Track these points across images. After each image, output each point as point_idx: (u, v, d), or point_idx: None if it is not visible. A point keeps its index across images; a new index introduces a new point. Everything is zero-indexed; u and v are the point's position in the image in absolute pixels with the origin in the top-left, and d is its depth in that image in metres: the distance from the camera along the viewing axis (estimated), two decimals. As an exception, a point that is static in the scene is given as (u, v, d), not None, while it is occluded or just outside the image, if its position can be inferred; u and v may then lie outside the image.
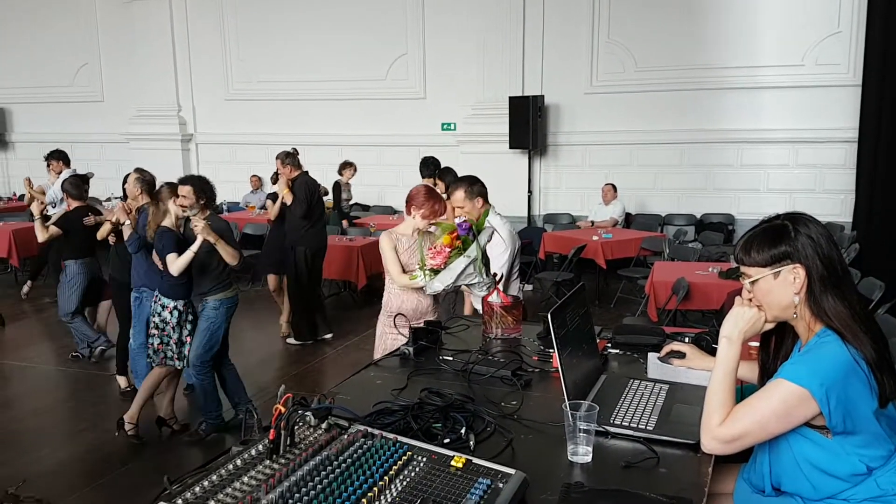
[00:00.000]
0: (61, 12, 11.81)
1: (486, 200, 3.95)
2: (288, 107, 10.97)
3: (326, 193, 7.16)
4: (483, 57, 9.93)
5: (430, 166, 7.01)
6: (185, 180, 4.68)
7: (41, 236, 5.96)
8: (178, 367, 4.73)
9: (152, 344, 4.64)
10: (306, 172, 6.89)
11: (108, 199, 6.25)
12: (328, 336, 7.04)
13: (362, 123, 10.68)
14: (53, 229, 5.97)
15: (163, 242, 4.53)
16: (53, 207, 7.88)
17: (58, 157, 8.32)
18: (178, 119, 11.42)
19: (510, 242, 3.96)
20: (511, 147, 9.74)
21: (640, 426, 2.00)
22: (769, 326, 1.95)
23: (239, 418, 4.76)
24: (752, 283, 1.90)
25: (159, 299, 4.64)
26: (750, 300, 1.94)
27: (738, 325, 1.92)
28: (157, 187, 5.09)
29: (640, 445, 1.91)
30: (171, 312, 4.60)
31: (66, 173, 8.08)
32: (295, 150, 7.01)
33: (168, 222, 4.67)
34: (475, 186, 3.92)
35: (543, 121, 9.82)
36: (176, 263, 4.43)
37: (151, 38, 11.22)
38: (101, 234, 5.69)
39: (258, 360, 6.44)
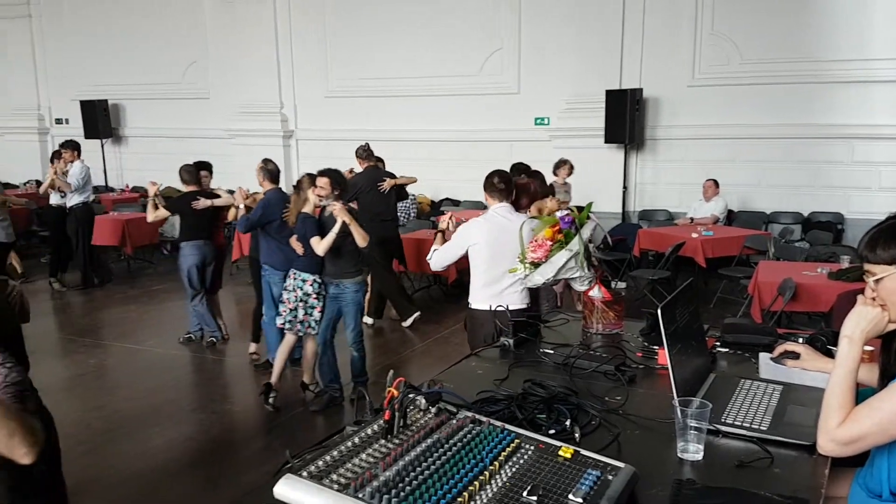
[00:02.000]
0: (171, 12, 12.39)
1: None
2: (383, 103, 11.16)
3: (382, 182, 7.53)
4: (580, 50, 9.81)
5: (517, 171, 6.84)
6: (323, 173, 5.14)
7: (150, 217, 6.50)
8: (313, 335, 5.24)
9: (295, 315, 5.15)
10: (375, 166, 7.49)
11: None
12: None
13: (454, 119, 10.75)
14: (162, 212, 6.42)
15: (306, 227, 5.05)
16: (67, 195, 8.69)
17: (71, 147, 8.88)
18: (280, 116, 11.80)
19: None
20: (607, 142, 9.59)
21: (752, 426, 1.96)
22: (892, 327, 1.86)
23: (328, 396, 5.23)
24: (877, 281, 1.82)
25: (297, 275, 5.17)
26: (873, 299, 1.86)
27: (859, 324, 1.84)
28: (299, 178, 5.56)
29: (753, 445, 1.86)
30: (311, 285, 5.15)
31: (77, 163, 8.71)
32: (367, 144, 7.68)
33: (308, 209, 5.14)
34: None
35: (641, 114, 9.62)
36: (321, 244, 4.92)
37: (256, 36, 11.63)
38: (230, 216, 6.46)
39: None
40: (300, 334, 5.25)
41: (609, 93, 9.44)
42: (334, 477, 1.44)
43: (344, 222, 4.87)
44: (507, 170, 6.56)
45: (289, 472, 1.44)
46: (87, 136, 12.42)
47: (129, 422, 5.08)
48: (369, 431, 1.66)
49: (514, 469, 1.59)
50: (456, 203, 10.84)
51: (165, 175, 11.68)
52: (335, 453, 1.54)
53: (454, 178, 10.65)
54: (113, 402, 5.52)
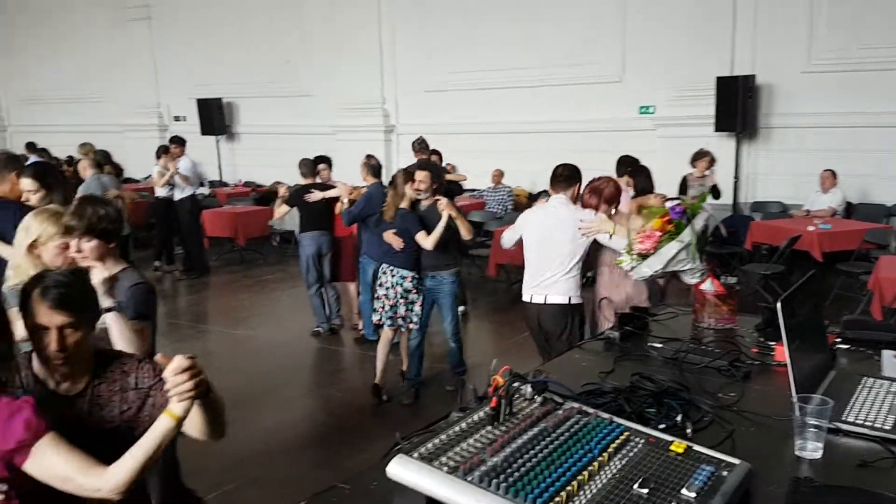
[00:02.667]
0: (276, 12, 12.81)
1: None
2: (482, 96, 11.18)
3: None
4: (688, 35, 9.48)
5: (624, 164, 6.69)
6: (423, 167, 5.26)
7: (277, 215, 7.03)
8: (412, 329, 5.30)
9: (395, 311, 5.16)
10: (428, 158, 7.66)
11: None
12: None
13: (554, 109, 10.63)
14: (284, 207, 6.83)
15: (407, 223, 5.08)
16: (175, 188, 9.18)
17: (179, 143, 9.33)
18: (381, 111, 12.03)
19: None
20: (717, 130, 9.24)
21: (875, 425, 1.86)
22: None
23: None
24: None
25: (396, 272, 5.16)
26: None
27: None
28: (395, 173, 5.64)
29: (876, 445, 1.77)
30: (411, 281, 5.16)
31: (185, 158, 9.13)
32: (422, 138, 8.03)
33: (404, 204, 5.19)
34: None
35: (754, 102, 9.21)
36: (430, 239, 4.95)
37: (358, 33, 11.88)
38: (336, 210, 6.64)
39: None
40: (403, 330, 5.30)
41: (720, 80, 9.09)
42: (444, 459, 1.47)
43: (450, 216, 4.89)
44: (617, 161, 6.51)
45: (400, 453, 1.48)
46: (203, 132, 13.05)
47: (240, 404, 5.30)
48: (475, 418, 1.67)
49: (623, 461, 1.57)
50: (556, 195, 10.72)
51: (274, 171, 12.19)
52: (444, 437, 1.56)
53: (552, 169, 10.53)
54: (226, 384, 5.73)
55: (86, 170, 7.67)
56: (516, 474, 1.44)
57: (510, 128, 10.84)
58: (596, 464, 1.52)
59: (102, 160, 8.96)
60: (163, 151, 9.49)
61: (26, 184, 3.81)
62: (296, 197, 6.77)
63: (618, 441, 1.64)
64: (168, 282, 9.36)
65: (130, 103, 14.59)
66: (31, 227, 2.72)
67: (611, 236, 3.73)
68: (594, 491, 1.45)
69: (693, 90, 9.43)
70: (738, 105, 8.95)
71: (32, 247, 2.68)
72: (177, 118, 14.53)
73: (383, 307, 5.18)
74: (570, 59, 10.42)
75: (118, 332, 2.51)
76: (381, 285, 5.23)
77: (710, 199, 4.01)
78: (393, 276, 5.16)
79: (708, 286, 2.76)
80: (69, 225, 2.66)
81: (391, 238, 5.17)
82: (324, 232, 6.75)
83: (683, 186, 8.04)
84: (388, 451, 1.75)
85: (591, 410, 1.77)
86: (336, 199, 6.72)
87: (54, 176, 3.90)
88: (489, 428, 1.62)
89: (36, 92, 16.08)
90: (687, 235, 2.77)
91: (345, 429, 4.97)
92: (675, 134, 9.31)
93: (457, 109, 11.33)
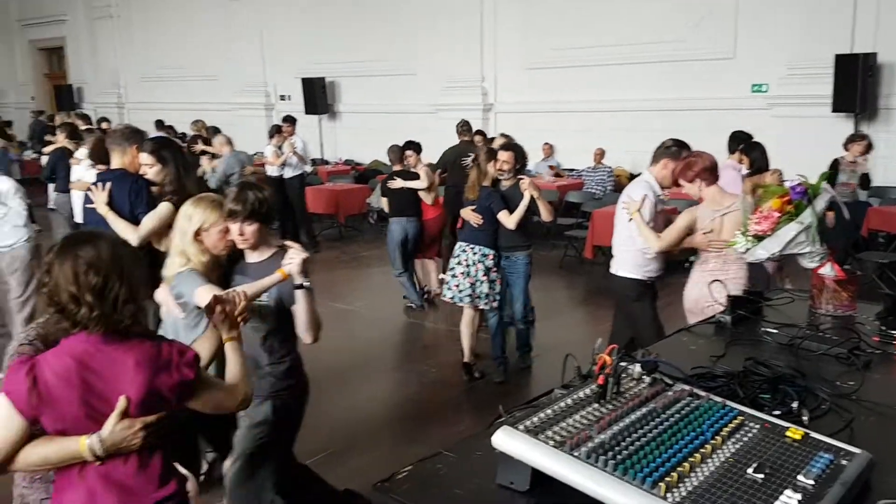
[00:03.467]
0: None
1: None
2: (582, 73, 10.94)
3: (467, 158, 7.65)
4: (805, 10, 8.95)
5: (737, 141, 6.40)
6: (507, 147, 5.21)
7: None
8: (495, 306, 5.28)
9: (473, 289, 5.13)
10: (469, 141, 8.20)
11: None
12: None
13: (659, 87, 10.28)
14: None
15: (491, 201, 5.05)
16: (285, 167, 9.38)
17: (291, 122, 9.52)
18: (480, 90, 11.99)
19: None
20: (834, 111, 8.71)
21: None
22: None
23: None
24: None
25: (478, 249, 5.14)
26: None
27: None
28: (475, 153, 5.72)
29: None
30: (492, 259, 5.15)
31: (297, 137, 9.31)
32: (464, 120, 8.41)
33: (486, 184, 5.18)
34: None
35: (874, 81, 8.62)
36: (512, 219, 4.96)
37: (461, 10, 11.85)
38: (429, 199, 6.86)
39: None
40: (482, 307, 5.23)
41: (839, 57, 8.55)
42: (549, 433, 1.46)
43: (532, 197, 4.88)
44: (729, 137, 6.26)
45: (505, 424, 1.48)
46: (307, 111, 13.39)
47: (337, 375, 5.45)
48: (581, 395, 1.65)
49: (737, 445, 1.52)
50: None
51: (373, 150, 12.39)
52: (549, 412, 1.55)
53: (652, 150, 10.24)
54: (322, 356, 5.93)
55: (223, 146, 7.93)
56: (625, 452, 1.41)
57: (613, 106, 10.57)
58: (708, 446, 1.48)
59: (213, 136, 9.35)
60: (276, 131, 9.78)
61: (144, 158, 4.00)
62: (383, 186, 7.07)
63: (731, 425, 1.59)
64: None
65: (240, 82, 15.11)
66: (193, 216, 2.84)
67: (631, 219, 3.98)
68: (706, 473, 1.41)
69: (809, 68, 8.91)
70: (857, 84, 8.40)
71: (198, 234, 2.82)
72: (282, 97, 14.95)
73: (458, 285, 5.15)
74: (679, 34, 10.03)
75: (305, 308, 2.70)
76: (459, 263, 5.19)
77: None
78: (474, 253, 5.14)
79: (828, 270, 2.62)
80: (233, 209, 2.76)
81: (469, 214, 5.20)
82: (411, 218, 6.89)
83: (833, 170, 7.30)
84: (491, 423, 1.76)
85: (702, 393, 1.72)
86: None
87: (171, 152, 4.05)
88: (595, 406, 1.60)
89: (153, 70, 16.89)
90: (807, 217, 2.62)
91: (435, 403, 5.03)
92: (789, 114, 8.85)
93: (557, 87, 11.15)
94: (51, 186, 9.26)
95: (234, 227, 2.77)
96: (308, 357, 5.50)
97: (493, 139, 7.71)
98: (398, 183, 6.84)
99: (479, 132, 8.91)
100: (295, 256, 2.64)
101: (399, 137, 9.67)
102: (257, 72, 15.06)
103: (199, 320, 2.87)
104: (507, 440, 1.44)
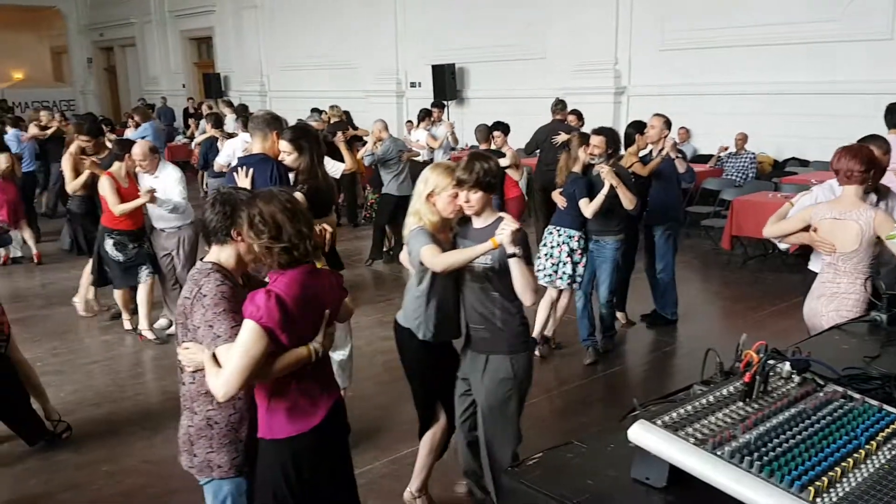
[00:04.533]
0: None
1: None
2: (721, 55, 10.40)
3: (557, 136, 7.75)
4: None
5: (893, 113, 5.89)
6: (599, 131, 5.15)
7: None
8: (576, 290, 5.32)
9: (555, 269, 5.19)
10: (561, 120, 8.34)
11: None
12: None
13: (807, 69, 9.60)
14: None
15: (575, 187, 5.10)
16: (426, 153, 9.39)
17: (440, 107, 9.48)
18: (613, 72, 11.68)
19: None
20: None
21: None
22: None
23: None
24: None
25: (563, 231, 5.20)
26: None
27: None
28: (568, 137, 5.79)
29: None
30: (577, 241, 5.16)
31: (443, 123, 9.32)
32: (558, 98, 8.50)
33: (577, 168, 5.18)
34: None
35: None
36: (590, 208, 4.97)
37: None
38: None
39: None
40: (563, 288, 5.24)
41: None
42: (690, 430, 1.42)
43: (612, 185, 4.88)
44: (886, 108, 5.77)
45: (642, 418, 1.45)
46: (436, 98, 13.55)
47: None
48: (724, 392, 1.60)
49: (893, 452, 1.42)
50: (804, 163, 9.80)
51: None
52: (689, 408, 1.52)
53: (802, 134, 9.62)
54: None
55: (382, 131, 8.24)
56: (771, 454, 1.36)
57: (755, 89, 10.00)
58: (862, 452, 1.40)
59: (348, 122, 9.65)
60: (425, 115, 9.98)
61: (284, 145, 4.17)
62: None
63: (887, 431, 1.50)
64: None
65: (374, 70, 15.49)
66: (429, 179, 3.09)
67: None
68: (859, 480, 1.33)
69: None
70: None
71: (430, 196, 3.06)
72: (412, 84, 15.21)
73: (543, 267, 5.19)
74: (831, 12, 9.34)
75: (518, 274, 2.86)
76: (544, 245, 5.27)
77: None
78: (559, 235, 5.18)
79: None
80: (461, 178, 2.97)
81: (557, 197, 5.25)
82: (494, 196, 6.93)
83: None
84: (624, 416, 1.73)
85: (857, 396, 1.62)
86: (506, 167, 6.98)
87: (308, 141, 4.21)
88: (740, 404, 1.54)
89: (293, 60, 17.60)
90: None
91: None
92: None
93: (694, 69, 10.68)
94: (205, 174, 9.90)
95: (462, 195, 3.00)
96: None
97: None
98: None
99: (574, 112, 8.78)
100: (506, 228, 2.80)
101: (527, 122, 9.62)
102: (390, 59, 15.37)
103: (422, 275, 3.10)
104: (644, 435, 1.42)
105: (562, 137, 7.60)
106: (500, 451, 3.13)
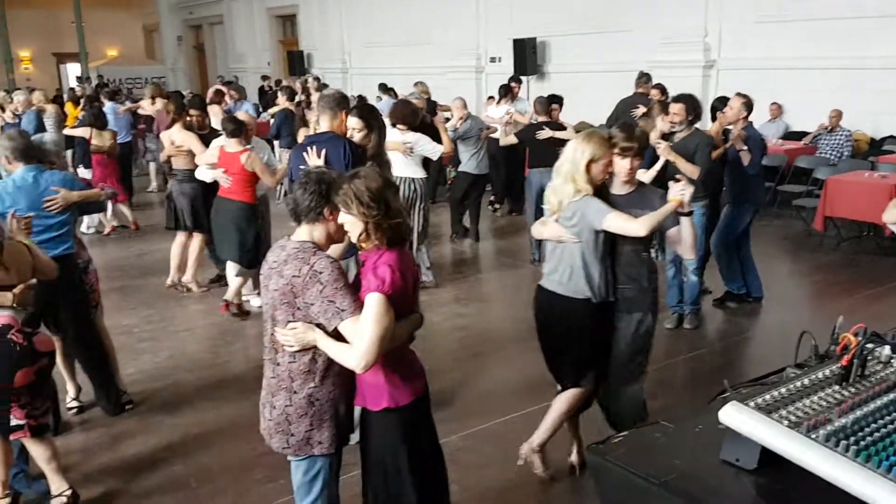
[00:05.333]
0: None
1: None
2: (818, 27, 9.85)
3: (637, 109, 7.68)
4: None
5: None
6: (678, 98, 5.13)
7: (503, 141, 7.45)
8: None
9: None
10: (641, 93, 8.16)
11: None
12: None
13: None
14: (512, 138, 7.28)
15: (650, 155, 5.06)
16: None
17: (518, 82, 9.33)
18: (702, 45, 11.26)
19: None
20: None
21: None
22: None
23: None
24: None
25: None
26: None
27: None
28: (649, 105, 5.59)
29: None
30: None
31: (522, 99, 9.21)
32: (641, 71, 8.55)
33: (654, 136, 5.15)
34: None
35: None
36: (646, 175, 4.89)
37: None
38: None
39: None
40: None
41: None
42: (784, 413, 1.40)
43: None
44: None
45: (734, 400, 1.43)
46: (516, 73, 13.39)
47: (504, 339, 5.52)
48: (820, 375, 1.55)
49: None
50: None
51: (580, 111, 12.16)
52: (783, 391, 1.48)
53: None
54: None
55: (461, 109, 8.32)
56: (868, 438, 1.32)
57: (851, 63, 9.46)
58: (970, 443, 1.33)
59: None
60: (505, 91, 9.88)
61: (354, 122, 4.24)
62: (528, 132, 7.19)
63: None
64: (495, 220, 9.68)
65: (453, 46, 15.43)
66: (585, 150, 3.14)
67: None
68: (966, 473, 1.27)
69: None
70: None
71: (588, 165, 3.14)
72: (492, 59, 15.08)
73: None
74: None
75: (689, 232, 3.17)
76: None
77: None
78: None
79: None
80: (626, 146, 3.18)
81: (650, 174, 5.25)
82: (549, 168, 6.78)
83: None
84: (714, 397, 1.71)
85: (963, 384, 1.54)
86: (564, 140, 6.74)
87: (376, 119, 4.33)
88: (836, 388, 1.50)
89: (375, 37, 17.74)
90: None
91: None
92: None
93: (791, 42, 10.16)
94: (276, 144, 10.07)
95: (624, 162, 3.19)
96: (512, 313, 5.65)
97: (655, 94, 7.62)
98: (546, 133, 6.96)
99: (658, 86, 8.59)
100: (685, 188, 3.01)
101: (609, 97, 9.41)
102: (470, 35, 15.29)
103: (597, 240, 3.19)
104: (736, 416, 1.40)
105: (641, 110, 7.46)
106: (627, 407, 3.37)
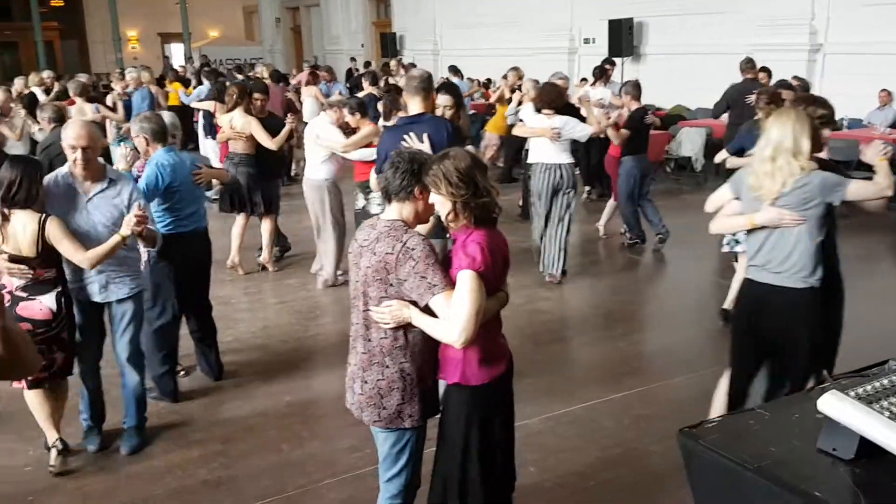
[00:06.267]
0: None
1: None
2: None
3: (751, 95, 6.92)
4: None
5: None
6: (790, 86, 5.18)
7: (616, 140, 7.00)
8: None
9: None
10: (752, 79, 7.91)
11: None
12: None
13: None
14: (624, 132, 6.93)
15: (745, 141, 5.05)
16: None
17: (612, 64, 9.94)
18: (808, 28, 10.75)
19: None
20: None
21: None
22: None
23: None
24: None
25: None
26: None
27: None
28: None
29: None
30: None
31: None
32: (748, 58, 8.22)
33: None
34: None
35: None
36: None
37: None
38: None
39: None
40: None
41: None
42: (885, 404, 1.37)
43: None
44: None
45: (834, 389, 1.41)
46: (610, 54, 13.13)
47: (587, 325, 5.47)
48: (925, 369, 1.50)
49: None
50: None
51: (677, 94, 11.84)
52: (885, 382, 1.45)
53: None
54: (632, 305, 6.02)
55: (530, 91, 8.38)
56: (977, 436, 1.27)
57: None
58: None
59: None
60: (600, 73, 9.75)
61: (446, 100, 4.42)
62: (637, 119, 6.98)
63: None
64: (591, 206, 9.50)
65: (544, 27, 15.25)
66: (803, 124, 3.02)
67: None
68: None
69: None
70: None
71: (811, 136, 3.06)
72: (586, 41, 14.83)
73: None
74: None
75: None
76: None
77: None
78: None
79: None
80: (823, 114, 3.25)
81: (741, 161, 5.01)
82: (644, 155, 7.04)
83: None
84: (811, 387, 1.68)
85: None
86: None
87: (460, 95, 4.65)
88: (941, 382, 1.45)
89: (466, 18, 17.73)
90: None
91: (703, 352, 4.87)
92: None
93: (902, 25, 9.60)
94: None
95: (826, 132, 3.27)
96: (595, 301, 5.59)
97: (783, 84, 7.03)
98: (652, 118, 7.02)
99: (764, 69, 8.26)
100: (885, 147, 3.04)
101: (708, 80, 9.16)
102: (564, 14, 15.07)
103: (824, 219, 3.07)
104: (836, 405, 1.37)
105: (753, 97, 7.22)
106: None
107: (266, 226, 6.64)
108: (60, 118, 5.40)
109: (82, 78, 10.81)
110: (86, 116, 7.22)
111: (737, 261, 5.29)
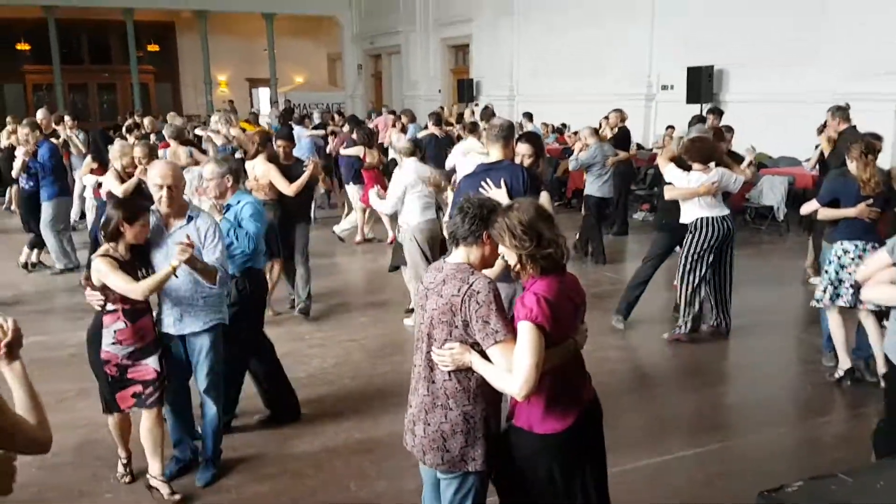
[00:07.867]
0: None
1: None
2: None
3: None
4: None
5: None
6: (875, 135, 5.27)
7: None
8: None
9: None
10: (854, 127, 7.01)
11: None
12: None
13: None
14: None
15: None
16: None
17: (717, 114, 9.51)
18: (898, 76, 10.35)
19: None
20: None
21: None
22: None
23: None
24: None
25: (860, 245, 4.94)
26: None
27: None
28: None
29: None
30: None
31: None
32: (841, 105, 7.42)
33: None
34: None
35: None
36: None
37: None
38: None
39: None
40: (841, 304, 4.87)
41: None
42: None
43: None
44: None
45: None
46: (689, 101, 12.99)
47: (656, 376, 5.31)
48: None
49: None
50: None
51: (759, 142, 11.51)
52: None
53: None
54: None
55: (589, 137, 8.71)
56: None
57: None
58: None
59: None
60: (697, 121, 9.83)
61: (526, 149, 4.48)
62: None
63: None
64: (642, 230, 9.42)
65: (623, 73, 15.15)
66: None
67: None
68: None
69: None
70: None
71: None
72: (664, 87, 14.70)
73: (824, 286, 4.95)
74: None
75: None
76: (830, 262, 4.95)
77: None
78: (856, 248, 4.86)
79: None
80: None
81: (864, 209, 4.82)
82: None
83: None
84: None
85: None
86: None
87: (541, 145, 4.68)
88: None
89: (543, 64, 17.85)
90: None
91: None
92: None
93: None
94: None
95: None
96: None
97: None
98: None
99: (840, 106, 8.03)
100: None
101: (792, 128, 8.89)
102: (643, 61, 14.97)
103: None
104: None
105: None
106: None
107: (277, 270, 6.44)
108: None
109: (178, 121, 11.27)
110: (179, 161, 7.32)
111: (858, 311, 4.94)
